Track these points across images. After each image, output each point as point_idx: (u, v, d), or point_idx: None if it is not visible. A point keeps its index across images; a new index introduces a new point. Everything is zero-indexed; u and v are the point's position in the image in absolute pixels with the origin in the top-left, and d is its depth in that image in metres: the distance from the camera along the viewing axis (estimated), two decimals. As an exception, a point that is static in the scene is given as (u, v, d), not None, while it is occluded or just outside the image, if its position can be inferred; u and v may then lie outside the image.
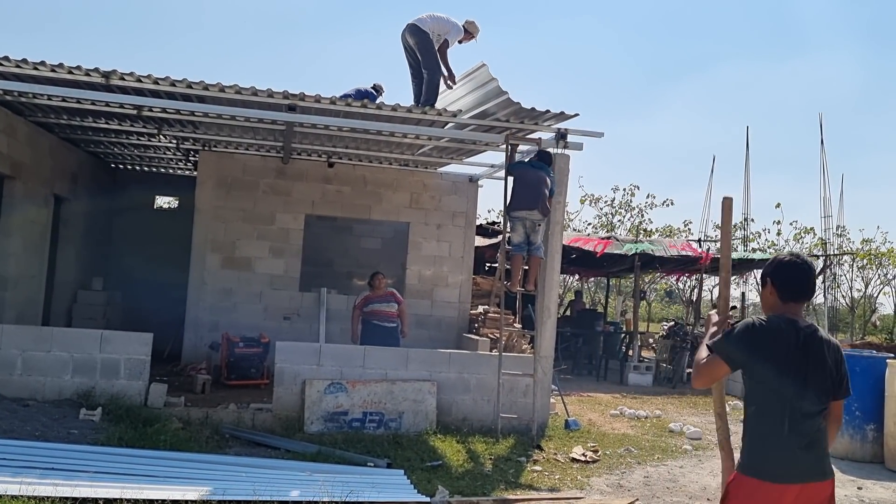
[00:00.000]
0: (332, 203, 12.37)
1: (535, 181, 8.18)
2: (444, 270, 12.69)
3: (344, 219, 12.57)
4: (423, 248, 12.66)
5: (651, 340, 19.91)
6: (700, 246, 18.23)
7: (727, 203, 3.63)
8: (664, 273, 19.32)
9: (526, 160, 8.64)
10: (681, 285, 25.72)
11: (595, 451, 7.53)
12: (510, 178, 8.41)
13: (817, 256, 19.13)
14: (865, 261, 26.20)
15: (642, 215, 23.82)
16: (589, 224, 24.29)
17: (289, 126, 9.18)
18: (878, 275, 26.17)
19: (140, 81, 7.81)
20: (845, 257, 25.94)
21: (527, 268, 8.41)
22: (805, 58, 68.37)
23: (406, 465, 6.55)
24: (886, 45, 65.18)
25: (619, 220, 23.83)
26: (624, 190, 23.81)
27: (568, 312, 18.94)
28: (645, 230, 23.47)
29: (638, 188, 23.92)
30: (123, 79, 7.78)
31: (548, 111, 8.12)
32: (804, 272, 3.09)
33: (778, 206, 26.49)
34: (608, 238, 16.74)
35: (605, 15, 76.89)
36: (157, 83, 7.82)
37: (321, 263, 13.15)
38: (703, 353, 3.11)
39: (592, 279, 24.24)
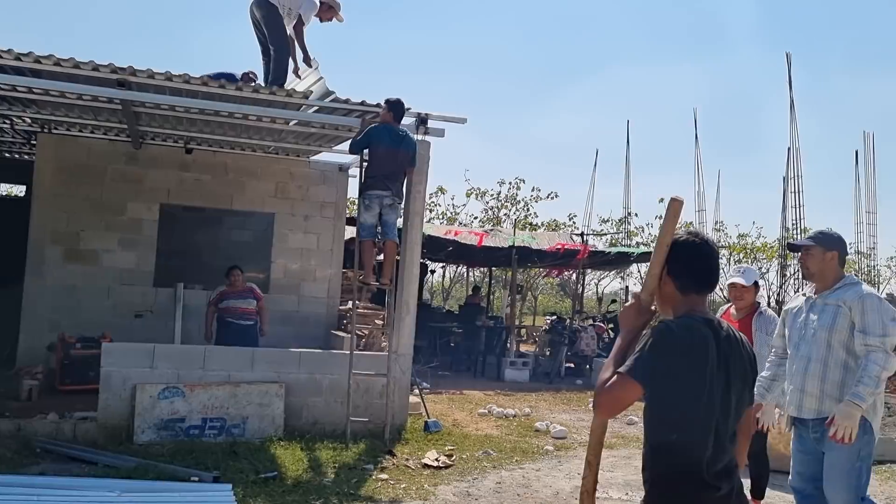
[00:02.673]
0: (191, 192, 11.51)
1: (396, 157, 7.63)
2: (312, 264, 12.04)
3: (203, 209, 11.69)
4: (290, 241, 11.97)
5: (535, 335, 19.84)
6: (583, 240, 18.22)
7: (674, 205, 2.58)
8: (544, 267, 19.23)
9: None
10: (575, 279, 25.92)
11: (450, 456, 7.10)
12: (366, 151, 7.78)
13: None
14: (742, 254, 27.08)
15: (527, 209, 23.76)
16: (475, 218, 24.07)
17: (125, 105, 8.32)
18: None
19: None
20: (723, 251, 26.73)
21: (381, 257, 7.89)
22: (690, 60, 70.81)
23: (237, 478, 5.92)
24: (763, 49, 68.30)
25: (506, 214, 23.67)
26: (510, 184, 23.70)
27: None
28: (530, 224, 23.41)
29: (523, 182, 23.82)
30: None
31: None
32: (708, 254, 2.48)
33: (661, 200, 26.94)
34: (487, 231, 16.51)
35: (512, 17, 77.62)
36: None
37: (179, 256, 12.19)
38: (606, 372, 2.37)
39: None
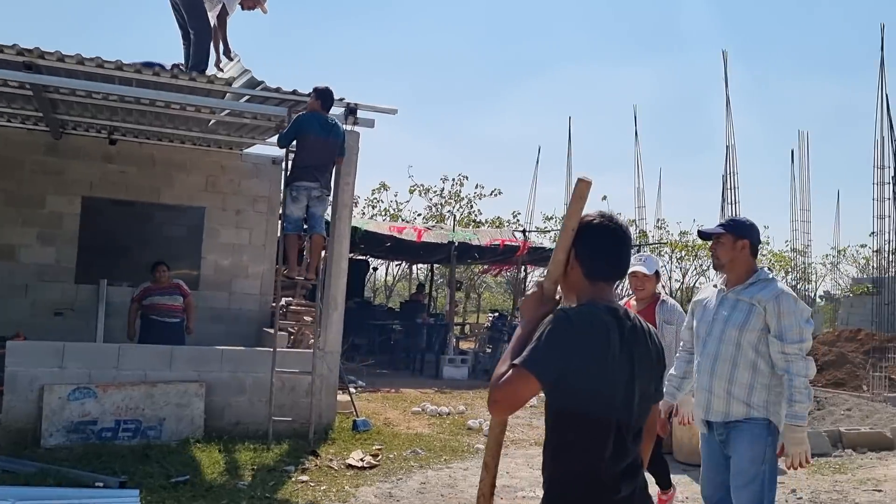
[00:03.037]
0: (115, 185, 11.04)
1: (324, 147, 7.35)
2: (244, 260, 11.67)
3: (129, 202, 11.23)
4: (221, 236, 11.58)
5: (477, 332, 19.72)
6: (524, 237, 18.16)
7: (581, 186, 2.37)
8: (485, 264, 19.14)
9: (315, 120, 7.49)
10: (516, 275, 25.88)
11: (376, 456, 6.87)
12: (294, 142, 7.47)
13: (636, 247, 19.55)
14: (683, 252, 27.42)
15: (471, 206, 23.63)
16: (418, 214, 23.84)
17: (36, 91, 7.88)
18: (695, 266, 27.47)
19: None
20: (665, 248, 27.00)
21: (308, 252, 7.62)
22: (636, 61, 71.66)
23: (146, 483, 5.60)
24: (707, 50, 69.52)
25: (449, 211, 23.49)
26: (453, 180, 23.52)
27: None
28: (474, 221, 23.28)
29: (467, 178, 23.66)
30: None
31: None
32: (619, 238, 2.30)
33: (604, 198, 27.09)
34: (429, 227, 16.32)
35: (461, 17, 77.65)
36: None
37: (102, 252, 11.71)
38: (503, 366, 2.13)
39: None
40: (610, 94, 65.98)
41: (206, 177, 11.49)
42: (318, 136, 7.25)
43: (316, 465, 6.45)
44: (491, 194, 23.92)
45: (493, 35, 78.35)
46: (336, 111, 8.02)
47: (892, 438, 7.83)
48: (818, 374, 12.69)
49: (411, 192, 23.43)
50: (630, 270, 5.07)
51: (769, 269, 3.95)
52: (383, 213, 23.16)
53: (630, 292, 5.32)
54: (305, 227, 7.53)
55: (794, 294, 3.69)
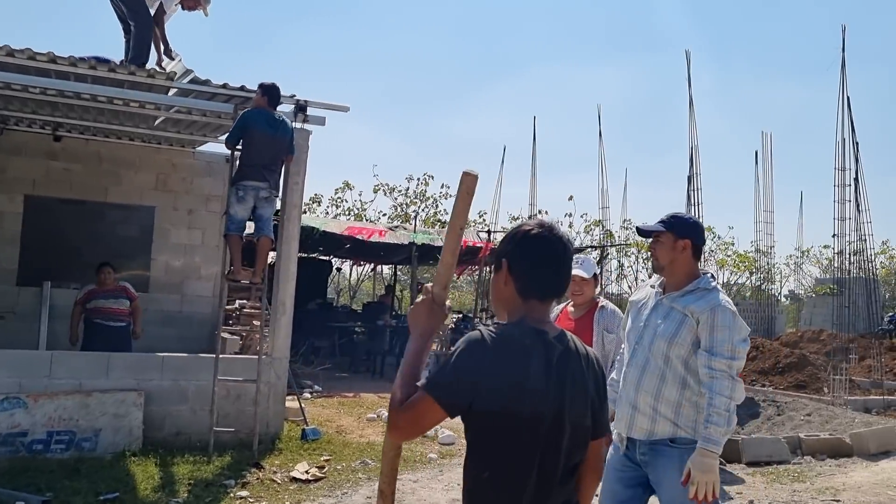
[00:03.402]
0: (60, 183, 10.64)
1: (272, 144, 7.04)
2: (197, 261, 11.32)
3: (75, 201, 10.82)
4: (172, 236, 11.22)
5: (441, 333, 19.45)
6: (489, 237, 17.95)
7: (466, 181, 2.11)
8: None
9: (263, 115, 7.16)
10: (479, 277, 25.67)
11: (322, 468, 6.58)
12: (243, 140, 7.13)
13: (599, 247, 19.46)
14: (649, 253, 27.40)
15: (437, 205, 23.38)
16: (383, 214, 23.55)
17: (-37, 83, 7.48)
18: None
19: None
20: (631, 249, 26.99)
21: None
22: (605, 62, 71.97)
23: (73, 501, 5.27)
24: (675, 52, 69.98)
25: (415, 211, 23.21)
26: (418, 179, 23.26)
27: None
28: (440, 221, 23.04)
29: (432, 178, 23.43)
30: None
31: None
32: (559, 252, 2.02)
33: (570, 198, 27.07)
34: (392, 227, 16.03)
35: (433, 18, 77.37)
36: None
37: (46, 253, 11.28)
38: (400, 389, 1.92)
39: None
40: (577, 94, 66.25)
41: (156, 175, 11.12)
42: (265, 132, 6.95)
43: (258, 479, 6.15)
44: (457, 194, 23.68)
45: (463, 35, 78.24)
46: (285, 109, 7.74)
47: (852, 445, 7.72)
48: (779, 376, 12.65)
49: (375, 191, 23.14)
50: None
51: (713, 276, 3.52)
52: (347, 213, 22.83)
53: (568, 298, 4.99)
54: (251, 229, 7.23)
55: (734, 309, 3.29)
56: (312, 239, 12.67)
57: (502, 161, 29.46)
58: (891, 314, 24.86)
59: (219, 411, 7.20)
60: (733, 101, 61.67)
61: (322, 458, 6.91)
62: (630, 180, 61.50)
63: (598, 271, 4.74)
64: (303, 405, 8.29)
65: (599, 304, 4.60)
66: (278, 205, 7.71)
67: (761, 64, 66.04)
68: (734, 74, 63.57)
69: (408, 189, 23.28)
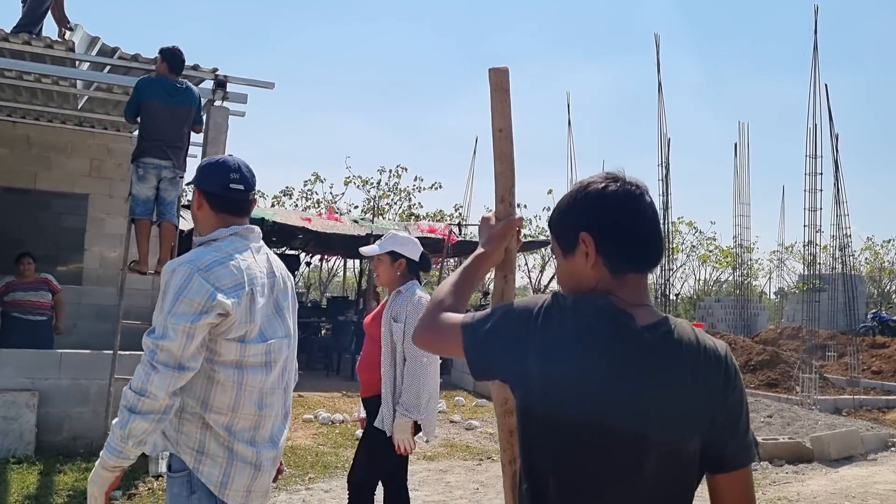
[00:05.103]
0: (-16, 168, 10.01)
1: (174, 115, 6.44)
2: (135, 252, 10.66)
3: (1, 189, 10.20)
4: (108, 226, 10.61)
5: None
6: (459, 230, 17.41)
7: (493, 74, 1.91)
8: None
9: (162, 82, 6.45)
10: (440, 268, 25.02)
11: (227, 475, 6.00)
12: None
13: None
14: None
15: (410, 199, 22.77)
16: (355, 207, 22.94)
17: None
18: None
19: None
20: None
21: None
22: (582, 59, 71.44)
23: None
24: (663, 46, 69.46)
25: (388, 204, 22.63)
26: (390, 171, 22.64)
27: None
28: (414, 214, 22.45)
29: (405, 170, 22.80)
30: None
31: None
32: (644, 207, 1.52)
33: (550, 192, 26.46)
34: (356, 220, 15.44)
35: (416, 13, 76.74)
36: None
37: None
38: (445, 296, 1.68)
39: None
40: (557, 92, 65.70)
41: (89, 160, 10.51)
42: (165, 102, 6.32)
43: (149, 490, 5.56)
44: (431, 187, 23.14)
45: (446, 34, 77.64)
46: (203, 87, 7.15)
47: (812, 449, 7.17)
48: (751, 374, 12.11)
49: (346, 183, 22.53)
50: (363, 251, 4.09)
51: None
52: (317, 205, 22.22)
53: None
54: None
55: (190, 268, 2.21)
56: (265, 230, 12.04)
57: (474, 152, 28.79)
58: (874, 311, 24.45)
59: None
60: (716, 96, 61.24)
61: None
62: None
63: (401, 248, 3.86)
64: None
65: (397, 289, 3.87)
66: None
67: (744, 59, 65.64)
68: (718, 70, 63.16)
69: (380, 181, 22.67)
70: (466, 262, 1.78)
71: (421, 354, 3.59)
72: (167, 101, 6.32)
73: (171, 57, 6.41)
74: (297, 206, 22.13)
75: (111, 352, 6.72)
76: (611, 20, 74.17)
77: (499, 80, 1.84)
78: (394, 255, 3.82)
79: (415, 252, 3.89)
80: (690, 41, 68.39)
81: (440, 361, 3.88)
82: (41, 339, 8.20)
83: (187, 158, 6.73)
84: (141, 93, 6.30)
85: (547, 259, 26.15)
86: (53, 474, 5.70)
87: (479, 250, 1.80)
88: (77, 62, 7.22)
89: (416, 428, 3.70)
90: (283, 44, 72.31)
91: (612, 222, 1.49)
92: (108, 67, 7.32)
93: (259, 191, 21.35)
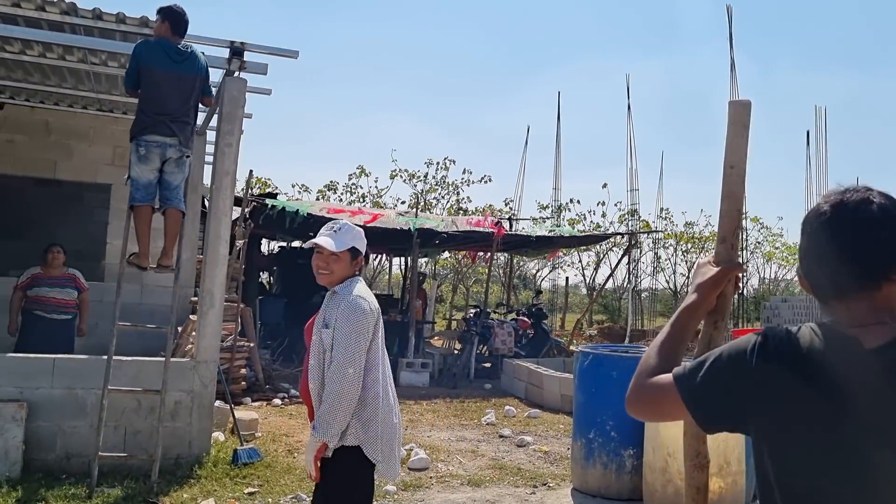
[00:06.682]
0: (2, 156, 9.36)
1: (178, 84, 5.60)
2: (160, 246, 9.90)
3: (19, 178, 9.53)
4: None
5: (456, 325, 17.97)
6: (510, 224, 16.37)
7: (732, 108, 1.74)
8: (452, 250, 17.44)
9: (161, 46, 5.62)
10: (496, 265, 24.02)
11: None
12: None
13: (627, 234, 17.68)
14: (689, 244, 25.54)
15: (458, 192, 21.80)
16: (402, 201, 22.08)
17: None
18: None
19: None
20: (669, 240, 25.15)
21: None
22: (648, 56, 69.57)
23: None
24: (716, 44, 67.25)
25: (436, 198, 21.71)
26: (438, 164, 21.69)
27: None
28: (462, 209, 21.50)
29: (453, 162, 21.83)
30: None
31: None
32: (848, 226, 1.38)
33: (604, 186, 25.28)
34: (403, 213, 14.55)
35: (467, 11, 76.08)
36: None
37: (-15, 236, 10.03)
38: (653, 358, 1.55)
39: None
40: (611, 87, 64.07)
41: (112, 148, 9.80)
42: (167, 69, 5.48)
43: None
44: (480, 180, 22.14)
45: (494, 26, 76.63)
46: (217, 53, 6.28)
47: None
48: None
49: (392, 177, 21.67)
50: (313, 242, 3.24)
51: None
52: (362, 200, 21.43)
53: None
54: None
55: None
56: (298, 223, 11.23)
57: (526, 142, 27.82)
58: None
59: (127, 428, 5.80)
60: (781, 89, 58.82)
61: (246, 491, 5.44)
62: (670, 175, 59.11)
63: (358, 245, 3.20)
64: (236, 418, 6.81)
65: (333, 290, 3.18)
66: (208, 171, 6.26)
67: (808, 51, 63.03)
68: (779, 63, 60.73)
69: (426, 175, 21.74)
70: (675, 314, 1.67)
71: (347, 364, 2.96)
72: (170, 67, 5.48)
73: (173, 16, 5.56)
74: (341, 200, 21.37)
75: (122, 358, 5.89)
76: (662, 15, 72.13)
77: (738, 114, 1.75)
78: (354, 253, 3.21)
79: (364, 246, 3.30)
80: (743, 30, 66.00)
81: (389, 380, 3.22)
82: (62, 340, 7.59)
83: (194, 135, 5.87)
84: (139, 59, 5.46)
85: (601, 256, 24.96)
86: (35, 501, 4.87)
87: (690, 299, 1.67)
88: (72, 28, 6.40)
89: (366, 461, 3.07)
90: (326, 41, 72.12)
91: (809, 252, 1.46)
92: (116, 35, 6.54)
93: (303, 185, 20.63)
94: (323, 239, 3.16)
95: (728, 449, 4.98)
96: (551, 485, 6.16)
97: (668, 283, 26.15)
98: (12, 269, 9.19)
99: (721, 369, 1.39)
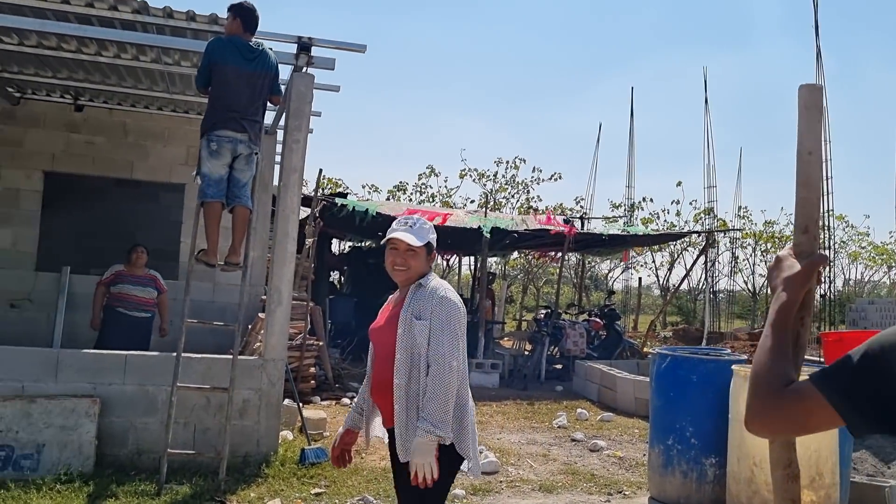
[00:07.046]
0: (81, 158, 9.60)
1: (249, 82, 5.58)
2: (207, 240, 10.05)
3: (98, 178, 9.76)
4: (205, 217, 9.98)
5: (527, 325, 17.71)
6: (582, 223, 16.06)
7: (803, 92, 1.62)
8: (523, 250, 17.16)
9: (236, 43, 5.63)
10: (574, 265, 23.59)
11: (302, 506, 5.04)
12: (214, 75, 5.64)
13: (705, 232, 17.11)
14: (769, 244, 24.65)
15: (528, 191, 21.52)
16: (471, 201, 21.94)
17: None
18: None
19: None
20: (748, 240, 24.35)
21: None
22: (721, 52, 67.66)
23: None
24: (792, 43, 64.95)
25: (505, 198, 21.48)
26: (507, 163, 21.46)
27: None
28: (532, 208, 21.22)
29: (524, 161, 21.58)
30: None
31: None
32: None
33: (679, 184, 24.58)
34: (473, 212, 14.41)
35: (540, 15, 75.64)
36: None
37: (66, 235, 10.32)
38: (769, 369, 1.37)
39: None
40: (687, 85, 62.52)
41: (187, 148, 9.92)
42: (239, 67, 5.48)
43: None
44: (551, 178, 21.81)
45: (563, 24, 75.84)
46: (284, 48, 6.24)
47: None
48: None
49: (461, 176, 21.53)
50: (389, 237, 3.07)
51: None
52: (431, 200, 21.38)
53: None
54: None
55: None
56: (367, 223, 11.20)
57: (598, 140, 27.28)
58: None
59: (196, 425, 5.81)
60: (868, 83, 56.40)
61: (312, 492, 5.36)
62: (749, 173, 57.33)
63: (433, 240, 3.07)
64: (304, 417, 6.76)
65: (417, 282, 3.02)
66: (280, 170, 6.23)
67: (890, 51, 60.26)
68: (864, 56, 58.20)
69: (496, 174, 21.53)
70: (769, 318, 1.49)
71: (451, 357, 2.82)
72: (243, 65, 5.48)
73: (244, 13, 5.55)
74: (410, 200, 21.38)
75: (185, 355, 5.89)
76: (740, 11, 70.11)
77: (811, 98, 1.64)
78: (429, 248, 3.09)
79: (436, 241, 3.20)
80: (846, 18, 63.51)
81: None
82: (140, 337, 7.84)
83: (262, 133, 5.84)
84: (212, 56, 5.47)
85: (676, 256, 24.31)
86: (101, 499, 4.90)
87: (783, 297, 1.49)
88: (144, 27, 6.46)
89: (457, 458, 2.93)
90: (396, 43, 72.69)
91: None
92: (188, 34, 6.58)
93: (373, 185, 20.69)
94: (400, 233, 3.00)
95: (821, 460, 4.64)
96: (627, 493, 5.91)
97: (746, 284, 25.28)
98: (94, 267, 9.44)
99: (877, 361, 1.23)
